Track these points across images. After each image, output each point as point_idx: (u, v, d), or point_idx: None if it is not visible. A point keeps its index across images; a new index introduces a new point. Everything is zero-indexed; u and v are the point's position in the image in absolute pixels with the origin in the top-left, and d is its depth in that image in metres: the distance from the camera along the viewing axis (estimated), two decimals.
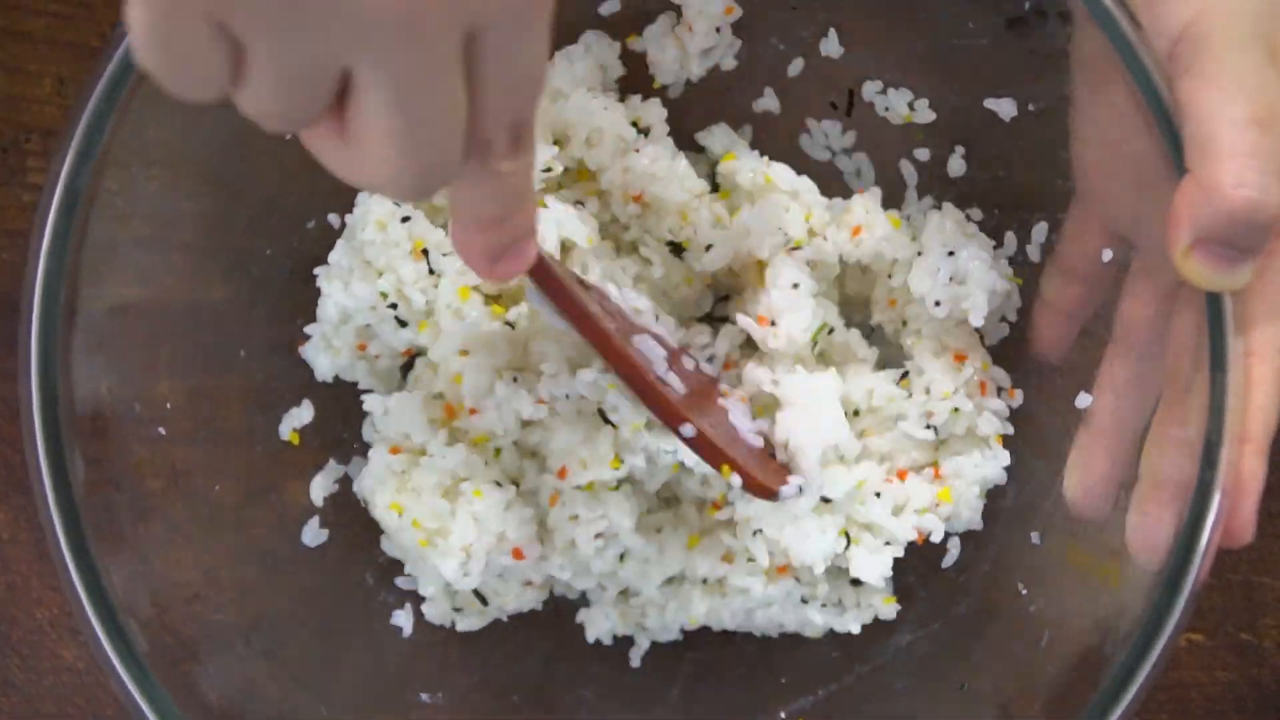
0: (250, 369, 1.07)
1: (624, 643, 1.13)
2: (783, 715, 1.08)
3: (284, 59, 0.64)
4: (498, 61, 0.67)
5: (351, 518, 1.11)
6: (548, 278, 0.95)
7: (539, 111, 0.78)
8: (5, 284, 1.15)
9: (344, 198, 1.09)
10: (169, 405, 1.01)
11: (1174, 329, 0.91)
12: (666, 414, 1.00)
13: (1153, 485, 0.92)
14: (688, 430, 0.99)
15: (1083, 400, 1.00)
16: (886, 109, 1.10)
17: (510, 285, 1.07)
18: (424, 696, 1.07)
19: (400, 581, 1.11)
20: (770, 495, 1.02)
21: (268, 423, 1.09)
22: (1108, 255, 0.98)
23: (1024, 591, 1.04)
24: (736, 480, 1.00)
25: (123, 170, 0.93)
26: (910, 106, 1.09)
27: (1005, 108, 1.05)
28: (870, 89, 1.10)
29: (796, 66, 1.11)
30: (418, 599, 1.11)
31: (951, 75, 1.07)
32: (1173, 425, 0.91)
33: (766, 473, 1.03)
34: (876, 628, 1.11)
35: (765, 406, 1.07)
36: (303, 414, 1.10)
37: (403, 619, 1.10)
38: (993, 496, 1.08)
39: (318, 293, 1.09)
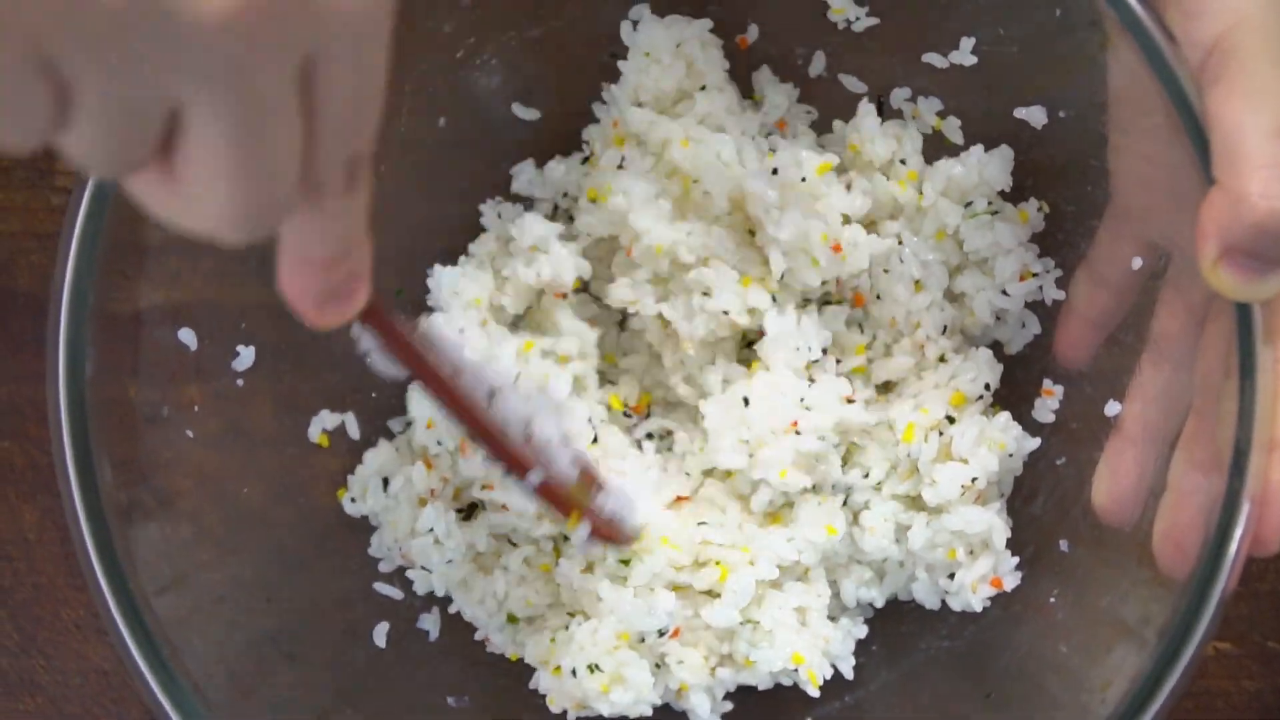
0: (279, 371, 1.07)
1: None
2: None
3: (112, 95, 0.60)
4: (333, 91, 0.63)
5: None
6: (381, 323, 0.88)
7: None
8: (35, 286, 1.16)
9: (373, 199, 1.09)
10: (197, 408, 1.01)
11: (1205, 338, 0.91)
12: (513, 463, 0.98)
13: (1181, 493, 0.91)
14: (535, 477, 0.98)
15: (1112, 408, 1.00)
16: (915, 117, 1.10)
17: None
18: (450, 700, 1.07)
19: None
20: (626, 542, 1.05)
21: (296, 425, 1.09)
22: (1138, 263, 0.98)
23: (1052, 600, 1.03)
24: (583, 531, 1.00)
25: None
26: (940, 115, 1.09)
27: (1036, 115, 1.05)
28: (899, 96, 1.10)
29: (819, 68, 1.12)
30: (444, 602, 1.11)
31: (982, 83, 1.06)
32: (1202, 434, 0.91)
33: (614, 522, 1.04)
34: (905, 634, 1.10)
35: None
36: (332, 417, 1.10)
37: (429, 623, 1.10)
38: (1023, 503, 1.08)
39: None
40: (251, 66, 0.59)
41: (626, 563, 1.06)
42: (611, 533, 1.03)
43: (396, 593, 1.10)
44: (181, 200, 0.65)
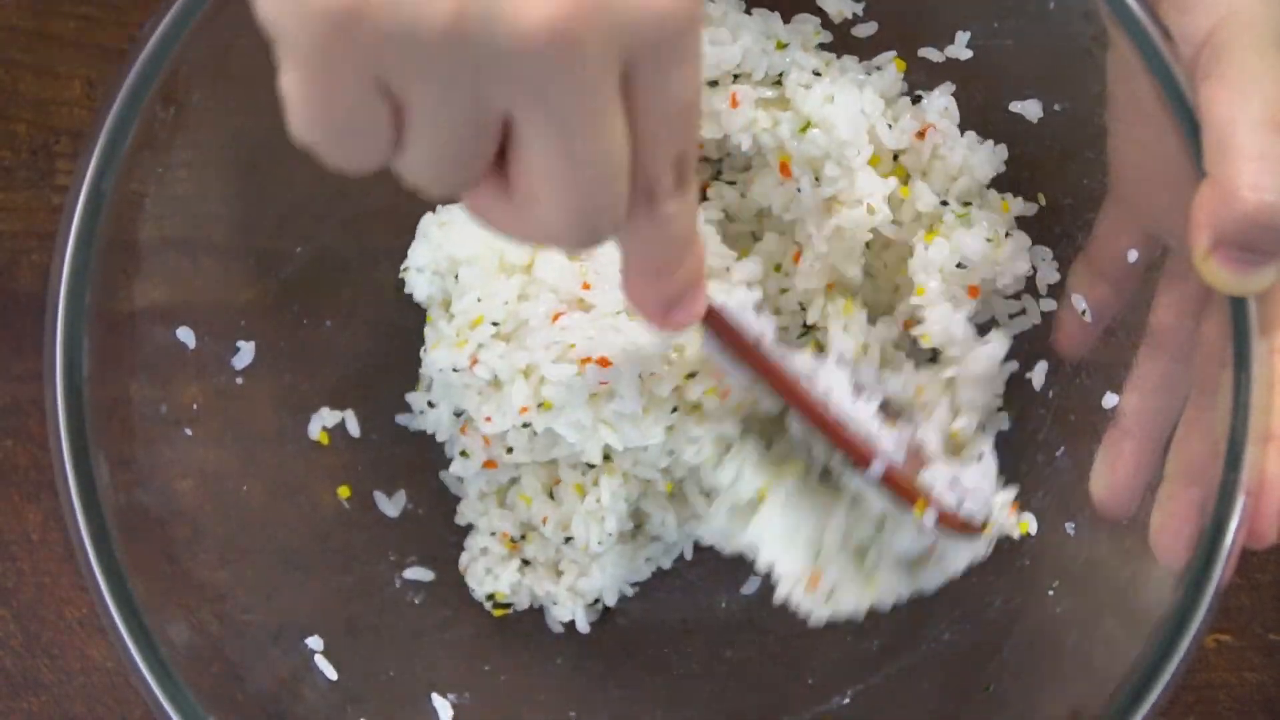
0: (278, 369, 1.08)
1: (656, 644, 1.14)
2: (808, 717, 1.09)
3: (445, 108, 0.63)
4: (655, 90, 0.66)
5: (377, 518, 1.12)
6: (722, 324, 0.94)
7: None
8: (37, 286, 1.16)
9: (374, 196, 1.09)
10: (195, 406, 1.02)
11: (1202, 331, 0.91)
12: (854, 451, 0.98)
13: (1177, 485, 0.92)
14: (876, 469, 0.97)
15: (1109, 400, 1.00)
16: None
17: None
18: (451, 697, 1.07)
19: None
20: (971, 532, 1.01)
21: (296, 424, 1.10)
22: (1133, 256, 0.98)
23: (1051, 593, 1.03)
24: (930, 519, 0.98)
25: (149, 172, 0.94)
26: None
27: (1031, 109, 1.05)
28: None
29: None
30: (446, 600, 1.12)
31: (977, 77, 1.06)
32: (1198, 426, 0.91)
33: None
34: (907, 629, 1.10)
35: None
36: (332, 414, 1.10)
37: (433, 620, 1.11)
38: (1023, 496, 1.08)
39: (347, 291, 1.10)
40: (578, 72, 0.62)
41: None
42: (960, 523, 1.00)
43: (399, 590, 1.11)
44: (518, 213, 0.69)
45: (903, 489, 0.98)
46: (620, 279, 0.78)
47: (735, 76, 1.06)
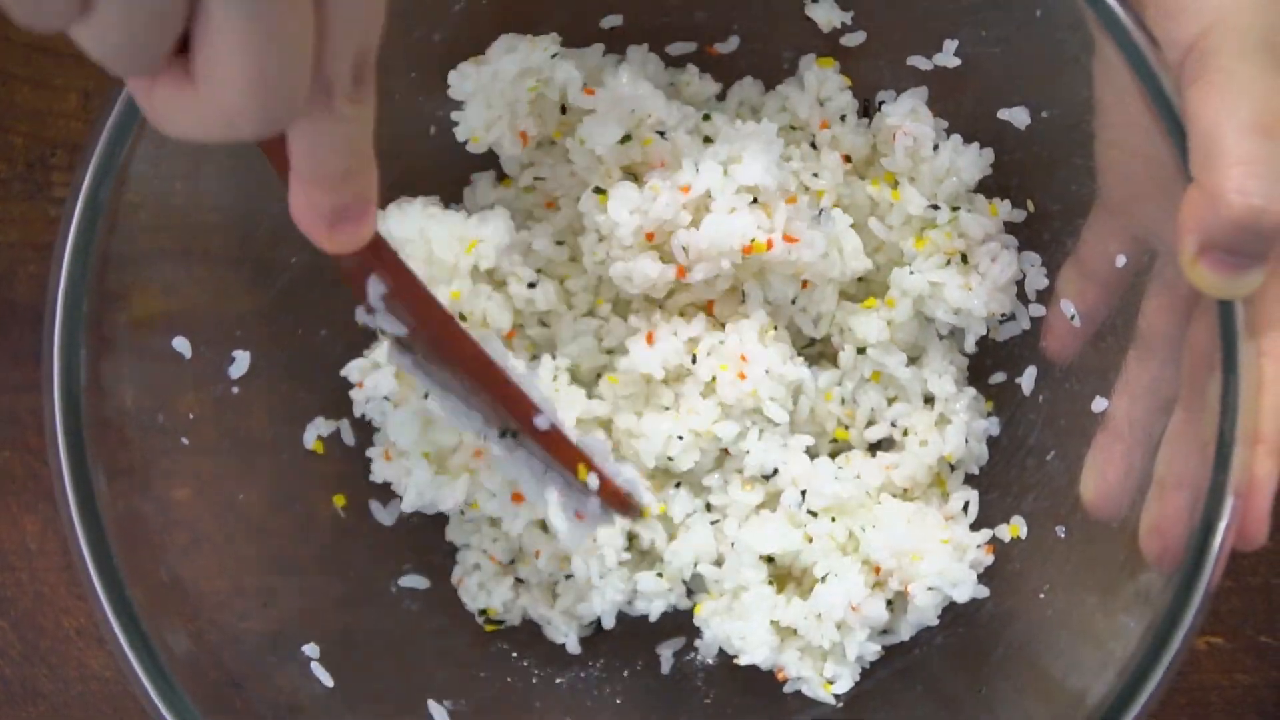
0: (274, 378, 1.08)
1: (651, 650, 1.14)
2: None
3: None
4: None
5: (372, 527, 1.12)
6: (389, 260, 0.89)
7: None
8: (34, 297, 1.17)
9: None
10: (192, 416, 1.02)
11: (1191, 334, 0.91)
12: (520, 406, 0.97)
13: (1167, 487, 0.92)
14: (543, 422, 0.97)
15: (1099, 404, 1.00)
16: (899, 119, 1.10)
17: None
18: (447, 703, 1.07)
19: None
20: (627, 510, 1.03)
21: (292, 432, 1.10)
22: (1121, 261, 0.98)
23: (1042, 595, 1.04)
24: (594, 482, 0.99)
25: (145, 183, 0.94)
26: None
27: (1019, 116, 1.05)
28: (884, 99, 1.10)
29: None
30: (445, 604, 1.12)
31: (965, 85, 1.07)
32: (1188, 428, 0.92)
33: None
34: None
35: None
36: (327, 423, 1.11)
37: (428, 627, 1.11)
38: (1014, 500, 1.09)
39: (342, 301, 1.10)
40: None
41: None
42: (622, 497, 1.01)
43: (394, 598, 1.11)
44: (196, 104, 0.68)
45: (566, 447, 0.98)
46: (290, 195, 0.76)
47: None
